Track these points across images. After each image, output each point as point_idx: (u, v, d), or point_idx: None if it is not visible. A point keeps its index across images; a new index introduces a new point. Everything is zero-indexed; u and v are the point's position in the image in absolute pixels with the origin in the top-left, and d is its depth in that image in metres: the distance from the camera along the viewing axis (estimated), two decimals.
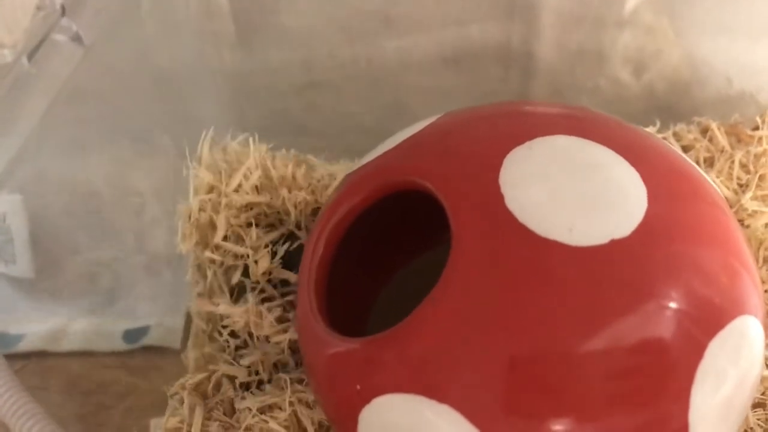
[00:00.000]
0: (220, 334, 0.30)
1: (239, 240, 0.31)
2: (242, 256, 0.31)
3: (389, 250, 0.31)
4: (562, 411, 0.22)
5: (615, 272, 0.22)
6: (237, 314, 0.29)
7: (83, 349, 0.41)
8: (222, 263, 0.31)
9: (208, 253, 0.30)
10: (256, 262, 0.30)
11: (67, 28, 0.23)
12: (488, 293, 0.22)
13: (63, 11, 0.23)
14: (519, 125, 0.26)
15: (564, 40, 0.40)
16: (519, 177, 0.23)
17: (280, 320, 0.30)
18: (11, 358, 0.38)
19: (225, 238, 0.31)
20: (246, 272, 0.31)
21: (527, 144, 0.24)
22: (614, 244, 0.22)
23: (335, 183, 0.33)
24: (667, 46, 0.41)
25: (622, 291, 0.22)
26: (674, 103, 0.41)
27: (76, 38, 0.24)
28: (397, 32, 0.39)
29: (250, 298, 0.30)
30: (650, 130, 0.37)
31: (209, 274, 0.31)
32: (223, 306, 0.30)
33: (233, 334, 0.30)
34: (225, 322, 0.30)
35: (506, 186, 0.23)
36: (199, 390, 0.29)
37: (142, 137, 0.38)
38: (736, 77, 0.40)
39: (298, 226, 0.32)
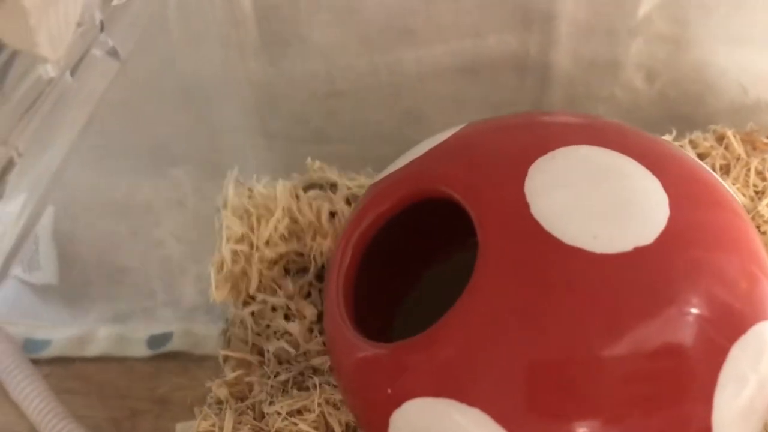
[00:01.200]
0: (261, 355, 0.31)
1: (272, 290, 0.32)
2: (279, 307, 0.32)
3: (413, 255, 0.32)
4: (588, 412, 0.22)
5: (638, 279, 0.22)
6: (292, 327, 0.30)
7: (108, 354, 0.42)
8: (259, 311, 0.32)
9: (245, 310, 0.32)
10: (299, 311, 0.32)
11: (103, 43, 0.24)
12: (515, 299, 0.22)
13: (102, 27, 0.24)
14: (542, 136, 0.26)
15: (580, 49, 0.41)
16: (544, 186, 0.24)
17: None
18: (37, 363, 0.39)
19: (258, 288, 0.32)
20: (286, 317, 0.32)
21: (551, 154, 0.25)
22: (638, 251, 0.22)
23: None
24: (680, 53, 0.41)
25: (645, 297, 0.22)
26: (690, 112, 0.41)
27: (113, 53, 0.24)
28: (416, 43, 0.40)
29: (297, 326, 0.31)
30: (666, 138, 0.38)
31: (248, 323, 0.32)
32: (282, 321, 0.31)
33: (275, 355, 0.31)
34: (268, 346, 0.31)
35: (531, 195, 0.23)
36: (233, 390, 0.30)
37: (167, 145, 0.39)
38: (751, 86, 0.41)
39: (321, 275, 0.33)
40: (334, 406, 0.29)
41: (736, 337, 0.23)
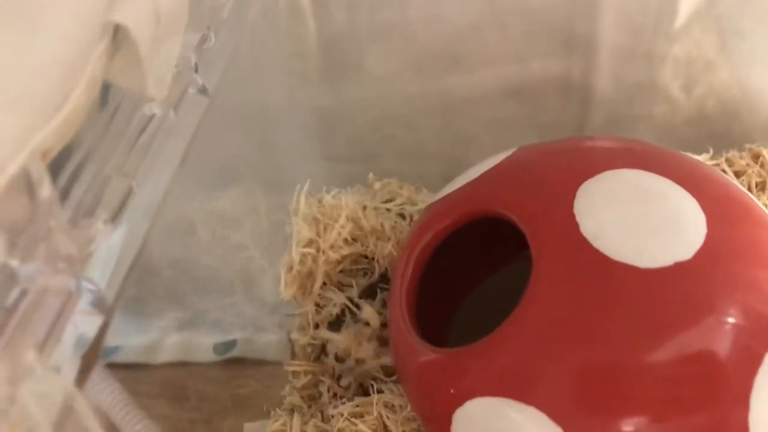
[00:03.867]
0: (324, 354, 0.34)
1: (337, 286, 0.35)
2: (339, 305, 0.35)
3: (467, 266, 0.34)
4: (634, 411, 0.24)
5: (679, 291, 0.25)
6: (340, 340, 0.33)
7: (177, 360, 0.45)
8: (323, 306, 0.35)
9: (309, 305, 0.35)
10: (360, 307, 0.35)
11: (196, 82, 0.27)
12: (567, 310, 0.25)
13: (196, 68, 0.27)
14: (588, 160, 0.29)
15: (619, 72, 0.43)
16: (591, 206, 0.26)
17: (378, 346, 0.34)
18: (109, 368, 0.42)
19: (323, 286, 0.35)
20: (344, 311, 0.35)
21: (597, 177, 0.27)
22: (678, 266, 0.25)
23: None
24: (717, 74, 0.43)
25: (685, 307, 0.25)
26: (726, 131, 0.43)
27: (203, 90, 0.27)
28: (464, 69, 0.42)
29: (349, 330, 0.34)
30: (703, 156, 0.40)
31: (310, 317, 0.34)
32: (328, 332, 0.34)
33: (336, 357, 0.34)
34: (328, 348, 0.34)
35: (580, 215, 0.26)
36: (304, 393, 0.32)
37: (235, 165, 0.42)
38: None
39: (384, 277, 0.36)
40: (392, 409, 0.32)
41: None
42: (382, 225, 0.36)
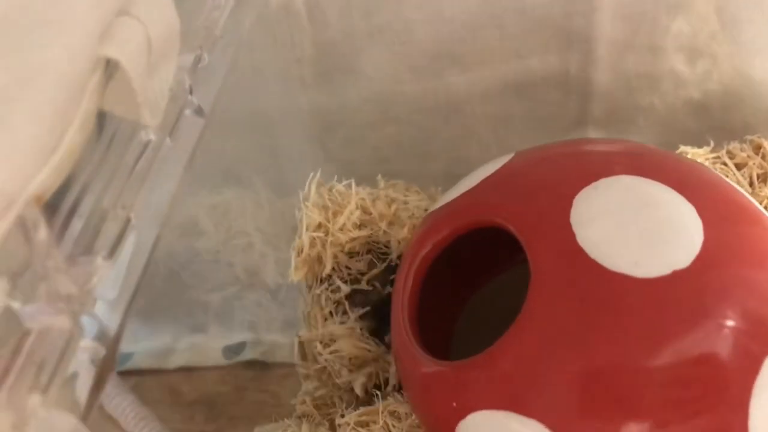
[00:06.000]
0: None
1: (346, 269, 0.35)
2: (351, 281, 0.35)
3: (471, 270, 0.34)
4: (635, 419, 0.25)
5: (677, 299, 0.25)
6: (344, 346, 0.34)
7: (187, 365, 0.45)
8: (331, 290, 0.35)
9: (317, 290, 0.34)
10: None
11: (191, 103, 0.27)
12: (566, 321, 0.25)
13: (191, 91, 0.27)
14: (585, 166, 0.29)
15: (618, 65, 0.43)
16: (588, 216, 0.26)
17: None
18: (121, 375, 0.42)
19: (333, 270, 0.35)
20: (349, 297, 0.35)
21: (594, 185, 0.27)
22: (675, 274, 0.25)
23: None
24: (716, 66, 0.43)
25: (683, 314, 0.25)
26: (727, 122, 0.43)
27: (199, 111, 0.27)
28: (463, 68, 0.42)
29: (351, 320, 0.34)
30: (704, 149, 0.40)
31: (317, 309, 0.35)
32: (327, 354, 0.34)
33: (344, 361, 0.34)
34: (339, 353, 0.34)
35: (577, 224, 0.26)
36: (317, 402, 0.33)
37: (237, 169, 0.43)
38: None
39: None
40: (397, 417, 0.32)
41: None
42: (395, 212, 0.36)
